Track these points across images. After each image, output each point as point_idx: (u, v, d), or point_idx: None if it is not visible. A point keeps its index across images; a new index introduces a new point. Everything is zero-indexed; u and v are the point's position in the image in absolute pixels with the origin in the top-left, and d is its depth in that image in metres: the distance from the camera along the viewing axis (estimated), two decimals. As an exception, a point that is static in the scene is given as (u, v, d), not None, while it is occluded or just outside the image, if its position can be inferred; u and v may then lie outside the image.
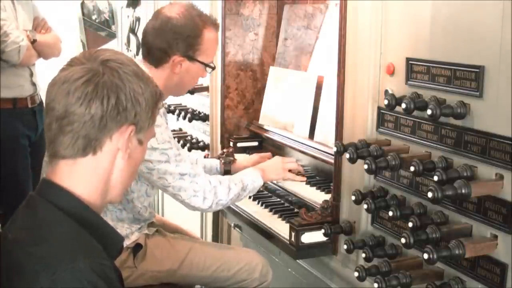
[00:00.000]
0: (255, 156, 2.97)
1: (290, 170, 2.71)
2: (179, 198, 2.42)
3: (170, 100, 3.83)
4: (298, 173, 2.77)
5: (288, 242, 2.37)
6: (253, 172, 2.64)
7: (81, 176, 1.44)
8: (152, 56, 2.46)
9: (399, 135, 1.98)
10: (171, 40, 2.42)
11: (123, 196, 1.63)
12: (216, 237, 3.59)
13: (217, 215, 3.58)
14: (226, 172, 2.92)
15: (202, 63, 2.50)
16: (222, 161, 2.94)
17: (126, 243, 2.41)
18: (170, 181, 2.37)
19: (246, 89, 3.34)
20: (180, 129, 3.91)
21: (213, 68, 2.59)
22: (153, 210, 2.65)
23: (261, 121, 3.25)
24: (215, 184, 2.46)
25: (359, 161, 1.95)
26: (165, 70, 2.46)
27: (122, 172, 1.48)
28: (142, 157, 1.55)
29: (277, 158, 2.79)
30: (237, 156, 3.01)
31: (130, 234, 2.46)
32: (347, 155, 1.97)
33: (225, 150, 3.04)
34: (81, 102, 1.38)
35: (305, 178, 2.76)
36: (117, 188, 1.50)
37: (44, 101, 1.48)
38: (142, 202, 2.47)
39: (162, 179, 2.36)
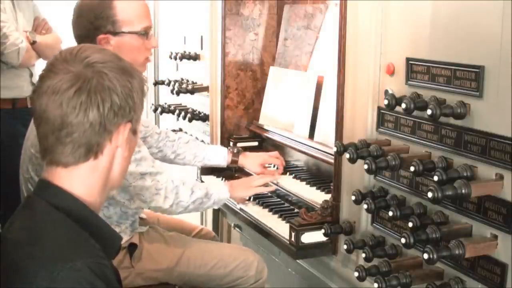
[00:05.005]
0: (265, 155, 2.97)
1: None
2: (141, 198, 2.36)
3: (170, 100, 3.83)
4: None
5: (288, 242, 2.37)
6: (220, 184, 2.69)
7: (81, 178, 1.44)
8: None
9: (399, 135, 1.98)
10: (87, 24, 2.37)
11: (123, 180, 1.63)
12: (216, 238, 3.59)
13: (217, 215, 3.57)
14: (233, 162, 2.93)
15: (129, 32, 2.38)
16: (231, 150, 2.95)
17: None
18: (131, 181, 2.32)
19: (246, 89, 3.34)
20: (180, 129, 3.90)
21: (147, 33, 2.42)
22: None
23: (261, 121, 3.24)
24: (177, 184, 2.45)
25: (359, 161, 1.95)
26: None
27: (121, 165, 1.50)
28: (136, 143, 1.57)
29: (245, 178, 2.82)
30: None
31: (121, 232, 2.43)
32: (347, 155, 1.97)
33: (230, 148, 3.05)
34: (77, 112, 1.37)
35: (273, 188, 2.80)
36: (116, 179, 1.52)
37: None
38: (123, 197, 2.43)
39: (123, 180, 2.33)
